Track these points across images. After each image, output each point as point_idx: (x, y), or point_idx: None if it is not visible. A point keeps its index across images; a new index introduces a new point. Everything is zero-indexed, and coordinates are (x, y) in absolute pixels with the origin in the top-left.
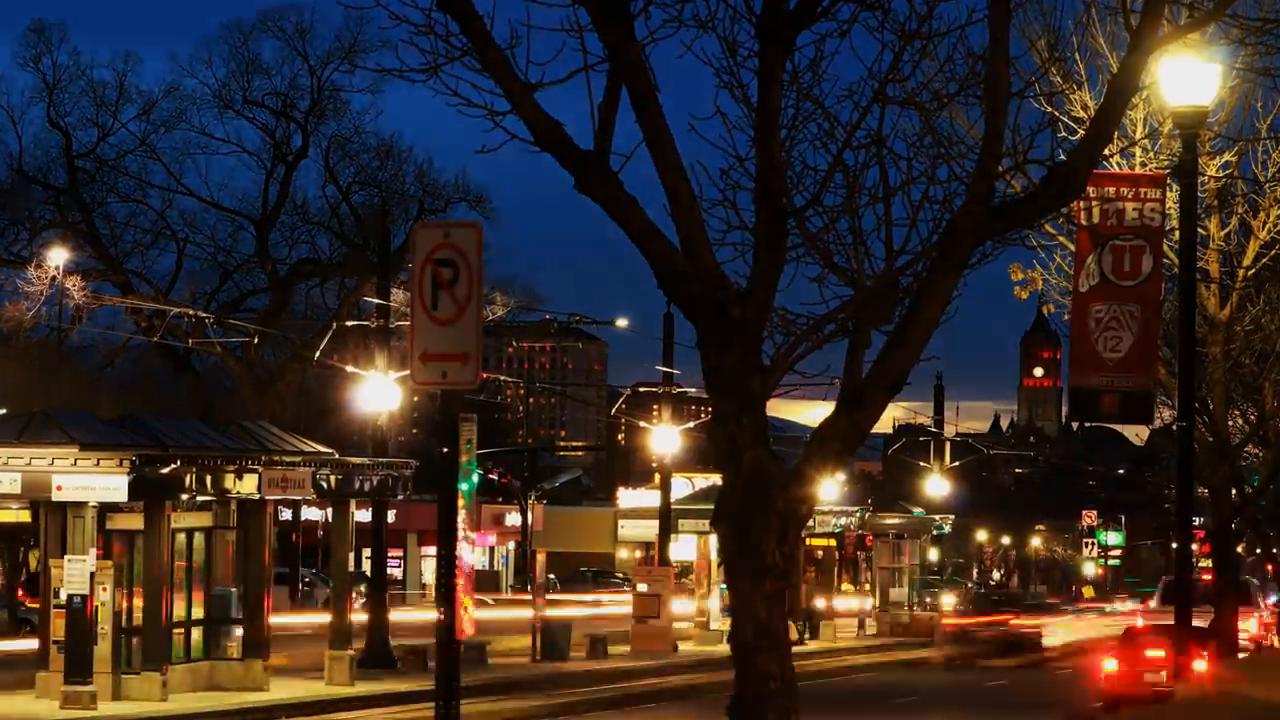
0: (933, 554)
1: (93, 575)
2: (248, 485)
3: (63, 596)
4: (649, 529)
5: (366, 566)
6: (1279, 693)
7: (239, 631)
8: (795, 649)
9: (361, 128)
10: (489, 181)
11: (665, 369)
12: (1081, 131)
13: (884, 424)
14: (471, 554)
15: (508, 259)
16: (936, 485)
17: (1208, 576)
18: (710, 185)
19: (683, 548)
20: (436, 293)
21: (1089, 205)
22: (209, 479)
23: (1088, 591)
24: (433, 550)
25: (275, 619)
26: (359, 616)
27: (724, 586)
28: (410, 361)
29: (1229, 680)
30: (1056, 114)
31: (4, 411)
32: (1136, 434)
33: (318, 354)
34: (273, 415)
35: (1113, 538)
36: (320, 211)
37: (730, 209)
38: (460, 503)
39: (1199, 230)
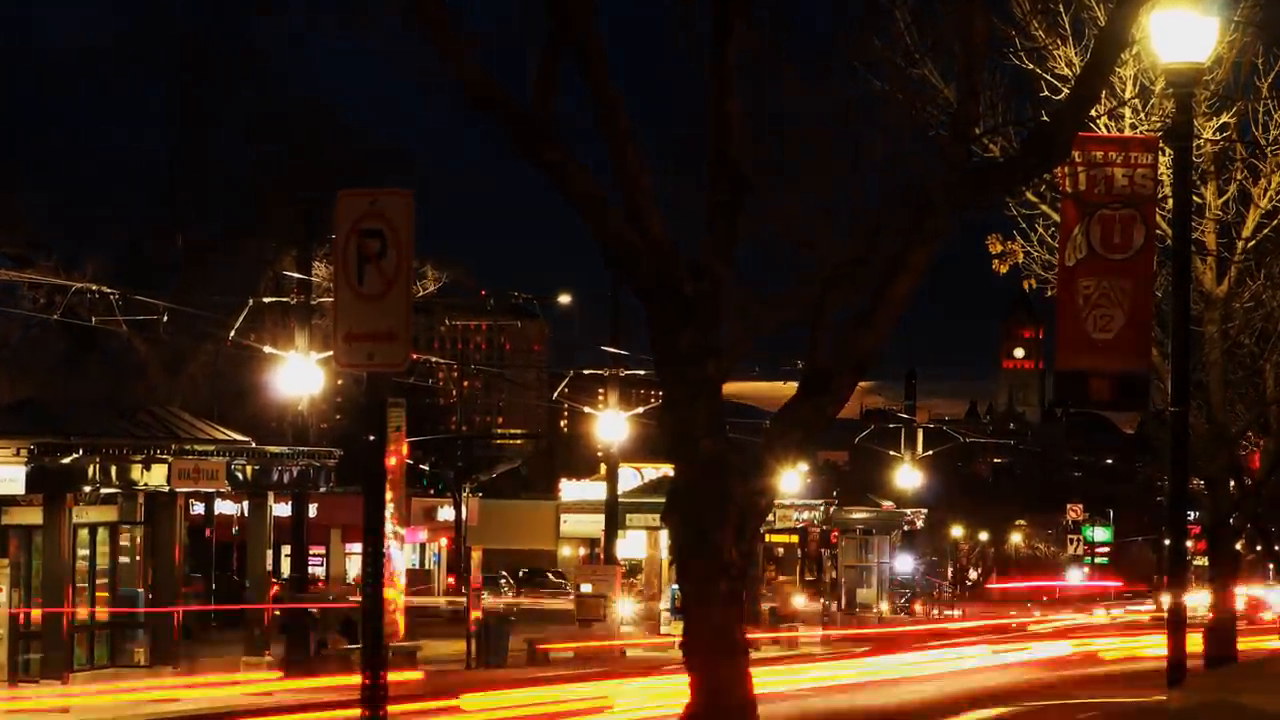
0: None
1: None
2: (156, 476)
3: None
4: (594, 524)
5: (286, 565)
6: None
7: (146, 635)
8: (754, 656)
9: (282, 88)
10: (421, 148)
11: (612, 350)
12: (1066, 91)
13: (851, 409)
14: (401, 551)
15: (441, 229)
16: (908, 476)
17: None
18: (661, 153)
19: (631, 545)
20: (362, 266)
21: (1075, 171)
22: (114, 470)
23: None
24: (358, 547)
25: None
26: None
27: (676, 587)
28: (334, 341)
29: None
30: (1039, 71)
31: None
32: (1126, 421)
33: (232, 333)
34: (184, 400)
35: (1100, 533)
36: (236, 178)
37: (682, 178)
38: (388, 495)
39: (1194, 198)
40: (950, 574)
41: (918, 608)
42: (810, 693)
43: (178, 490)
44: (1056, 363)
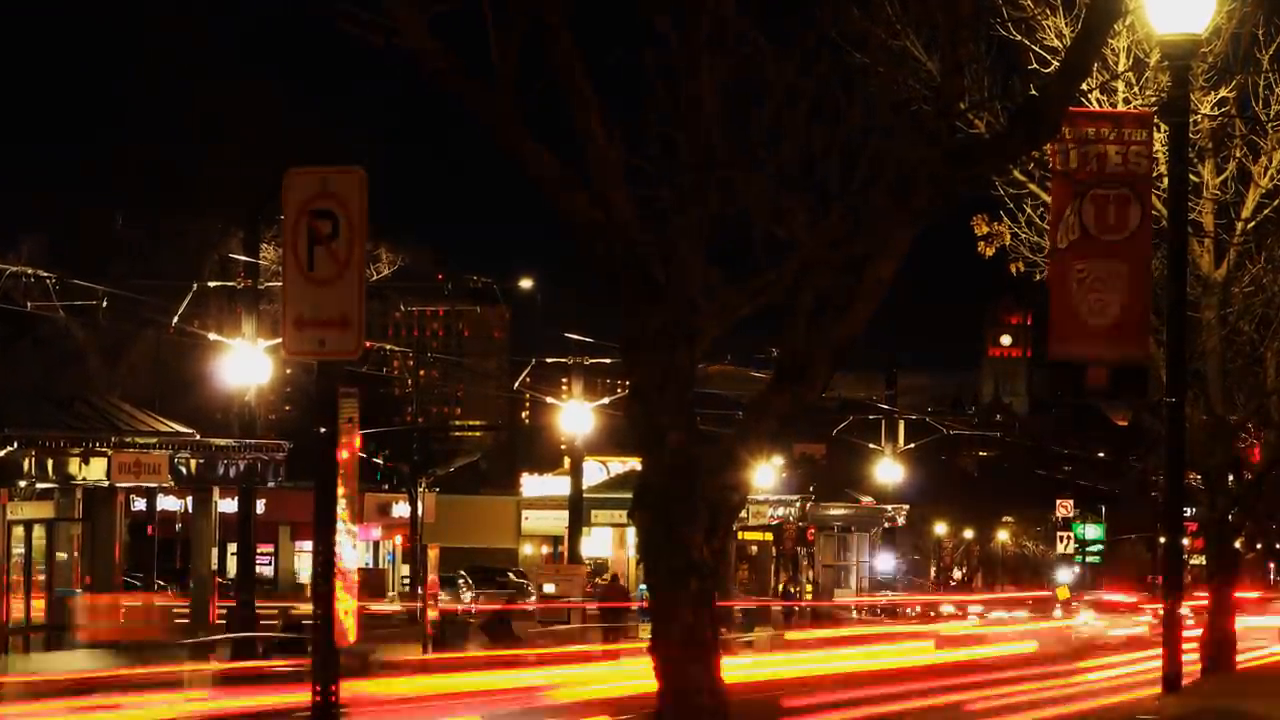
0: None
1: None
2: (95, 470)
3: None
4: (557, 521)
5: (232, 564)
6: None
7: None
8: (727, 661)
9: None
10: (376, 121)
11: (576, 337)
12: (1056, 63)
13: (828, 400)
14: (353, 550)
15: (396, 209)
16: (888, 470)
17: None
18: (628, 128)
19: (596, 542)
20: (313, 249)
21: (1065, 148)
22: (50, 463)
23: (1061, 593)
24: (308, 545)
25: None
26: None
27: (644, 587)
28: (283, 328)
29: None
30: (1027, 43)
31: None
32: (1119, 412)
33: (175, 319)
34: (124, 390)
35: (1092, 531)
36: (179, 155)
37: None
38: (340, 491)
39: (1191, 177)
40: (933, 573)
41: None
42: None
43: (118, 485)
44: (1050, 351)
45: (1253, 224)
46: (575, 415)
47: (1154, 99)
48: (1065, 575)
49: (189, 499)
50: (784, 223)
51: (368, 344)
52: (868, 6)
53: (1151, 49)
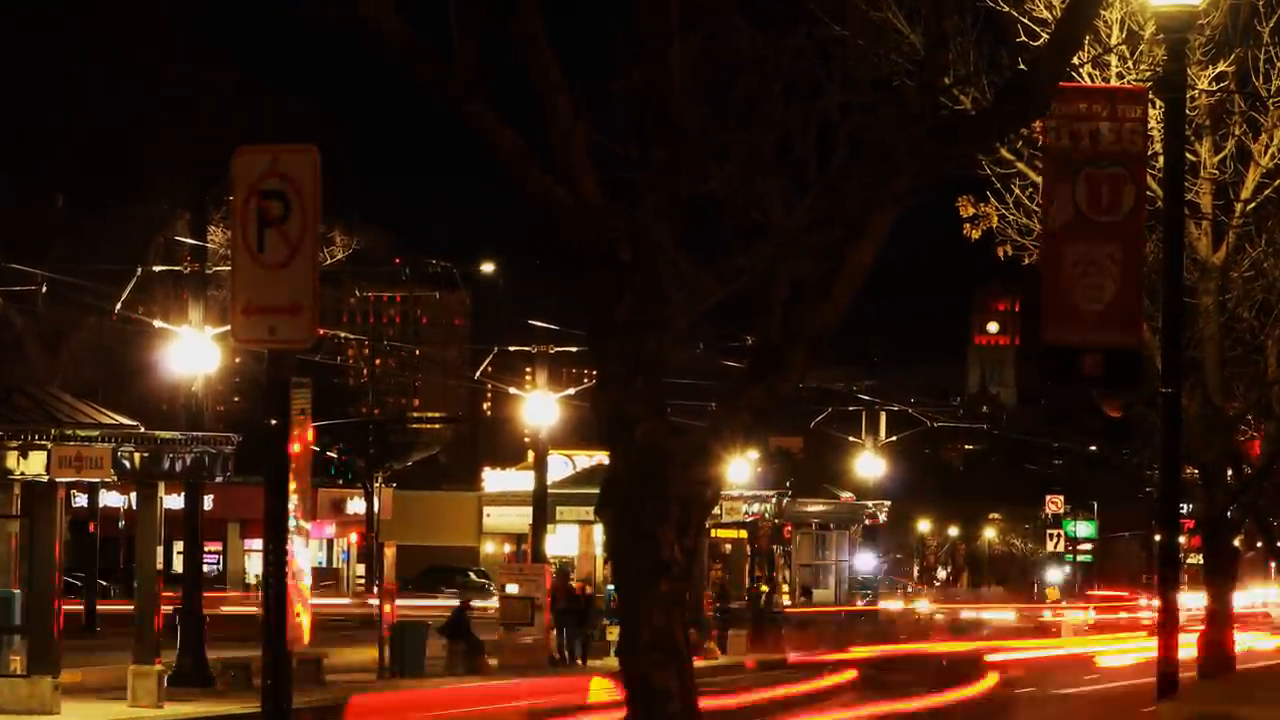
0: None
1: None
2: (34, 465)
3: None
4: (520, 518)
5: (178, 563)
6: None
7: (23, 642)
8: (699, 664)
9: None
10: (330, 97)
11: (541, 325)
12: (1046, 36)
13: (806, 391)
14: (306, 548)
15: (351, 189)
16: (869, 465)
17: None
18: (595, 105)
19: (561, 540)
20: (263, 231)
21: (1055, 125)
22: None
23: (1051, 594)
24: (259, 543)
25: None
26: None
27: (612, 587)
28: (232, 314)
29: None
30: (1015, 14)
31: None
32: (1113, 403)
33: (119, 305)
34: (65, 380)
35: (1083, 528)
36: (123, 132)
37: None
38: (292, 486)
39: (1188, 156)
40: (916, 573)
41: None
42: None
43: (58, 480)
44: (1042, 337)
45: (1252, 205)
46: (540, 407)
47: (1149, 74)
48: (1055, 576)
49: (133, 495)
50: (758, 205)
51: (321, 331)
52: None
53: (1146, 21)
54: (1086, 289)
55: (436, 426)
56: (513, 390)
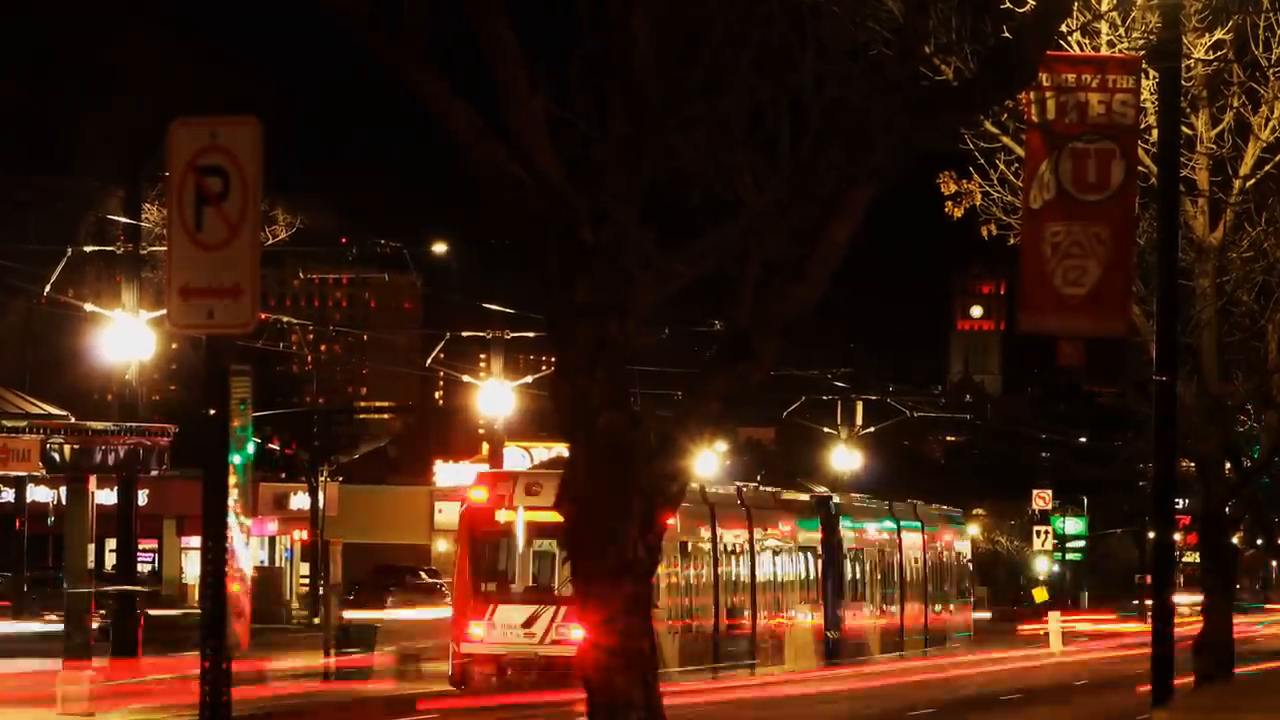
0: None
1: None
2: None
3: None
4: None
5: (110, 561)
6: None
7: None
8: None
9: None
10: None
11: (497, 309)
12: (1032, 2)
13: (778, 379)
14: (247, 546)
15: (294, 164)
16: (845, 457)
17: None
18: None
19: None
20: (201, 210)
21: (1041, 97)
22: None
23: (1039, 595)
24: (196, 541)
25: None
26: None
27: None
28: (168, 297)
29: None
30: None
31: None
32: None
33: (48, 288)
34: None
35: (1072, 525)
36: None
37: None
38: (232, 480)
39: (1183, 129)
40: None
41: None
42: None
43: None
44: (1019, 323)
45: (1252, 182)
46: (495, 396)
47: (1142, 42)
48: (1043, 565)
49: (62, 489)
50: (728, 182)
51: (262, 315)
52: None
53: None
54: (1068, 271)
55: (385, 417)
56: (466, 378)
